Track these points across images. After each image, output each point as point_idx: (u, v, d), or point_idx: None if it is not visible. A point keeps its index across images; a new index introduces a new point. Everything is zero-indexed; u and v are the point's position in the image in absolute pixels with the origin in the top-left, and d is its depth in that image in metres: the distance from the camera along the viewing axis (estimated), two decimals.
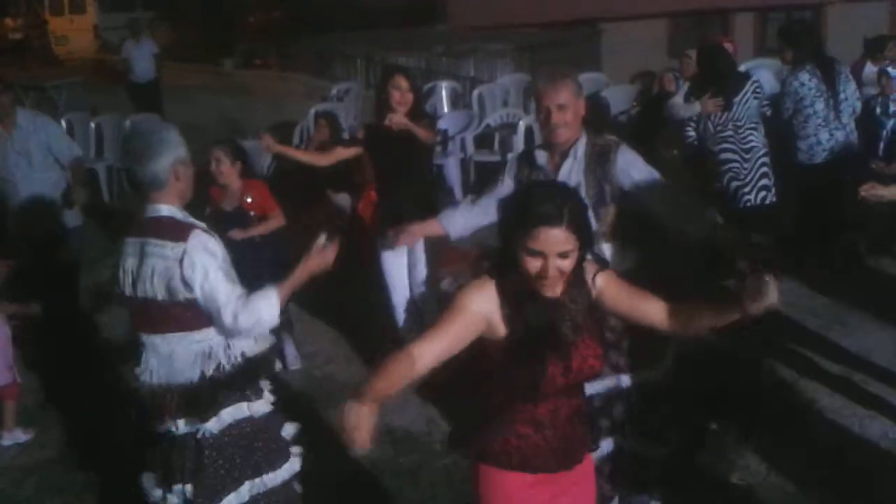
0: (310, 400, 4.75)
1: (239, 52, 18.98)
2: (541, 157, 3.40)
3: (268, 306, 2.83)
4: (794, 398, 4.42)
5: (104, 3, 21.22)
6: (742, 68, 6.50)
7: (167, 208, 2.90)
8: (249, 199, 4.81)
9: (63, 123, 10.37)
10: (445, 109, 10.76)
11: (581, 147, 3.30)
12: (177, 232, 2.83)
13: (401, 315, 4.96)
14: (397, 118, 4.56)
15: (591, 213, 2.91)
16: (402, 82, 4.67)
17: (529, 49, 13.98)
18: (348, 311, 5.66)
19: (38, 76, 15.95)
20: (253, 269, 3.66)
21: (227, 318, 2.79)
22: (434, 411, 4.50)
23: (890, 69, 6.20)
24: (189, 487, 2.92)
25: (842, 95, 5.67)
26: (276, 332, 3.20)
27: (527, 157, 3.54)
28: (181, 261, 2.78)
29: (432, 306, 4.79)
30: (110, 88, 13.92)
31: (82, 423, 4.68)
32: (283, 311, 4.40)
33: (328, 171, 7.04)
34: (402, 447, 4.21)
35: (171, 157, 2.88)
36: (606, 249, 3.28)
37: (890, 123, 6.16)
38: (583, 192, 3.15)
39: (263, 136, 5.02)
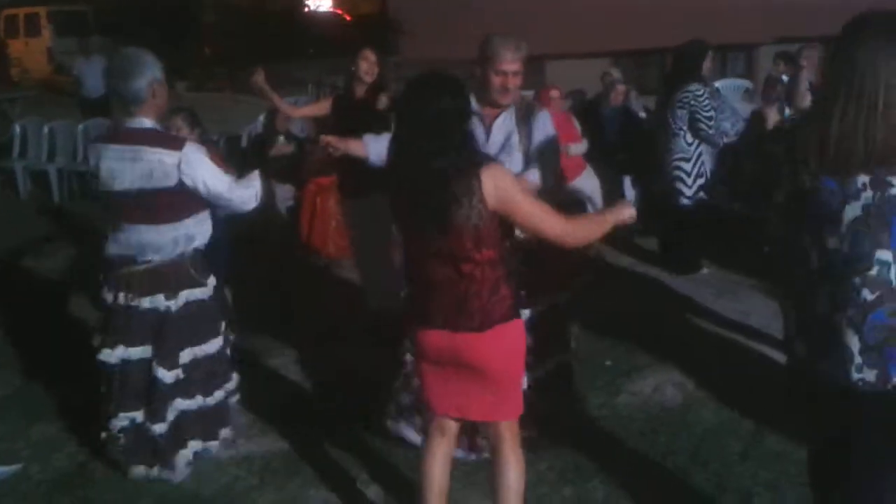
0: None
1: (193, 76, 19.38)
2: (477, 109, 3.64)
3: (251, 185, 3.58)
4: (685, 340, 5.03)
5: (59, 27, 21.33)
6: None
7: (149, 121, 3.40)
8: None
9: (17, 129, 10.78)
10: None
11: (513, 107, 3.76)
12: (171, 141, 3.38)
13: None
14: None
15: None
16: (370, 55, 5.13)
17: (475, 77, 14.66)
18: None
19: None
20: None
21: (231, 201, 3.48)
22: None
23: (784, 76, 6.90)
24: (149, 348, 3.47)
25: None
26: None
27: None
28: (179, 165, 3.29)
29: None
30: (62, 101, 14.18)
31: (39, 359, 4.98)
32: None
33: (274, 162, 7.54)
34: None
35: (150, 76, 3.38)
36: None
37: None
38: (516, 142, 3.72)
39: (257, 70, 5.17)
